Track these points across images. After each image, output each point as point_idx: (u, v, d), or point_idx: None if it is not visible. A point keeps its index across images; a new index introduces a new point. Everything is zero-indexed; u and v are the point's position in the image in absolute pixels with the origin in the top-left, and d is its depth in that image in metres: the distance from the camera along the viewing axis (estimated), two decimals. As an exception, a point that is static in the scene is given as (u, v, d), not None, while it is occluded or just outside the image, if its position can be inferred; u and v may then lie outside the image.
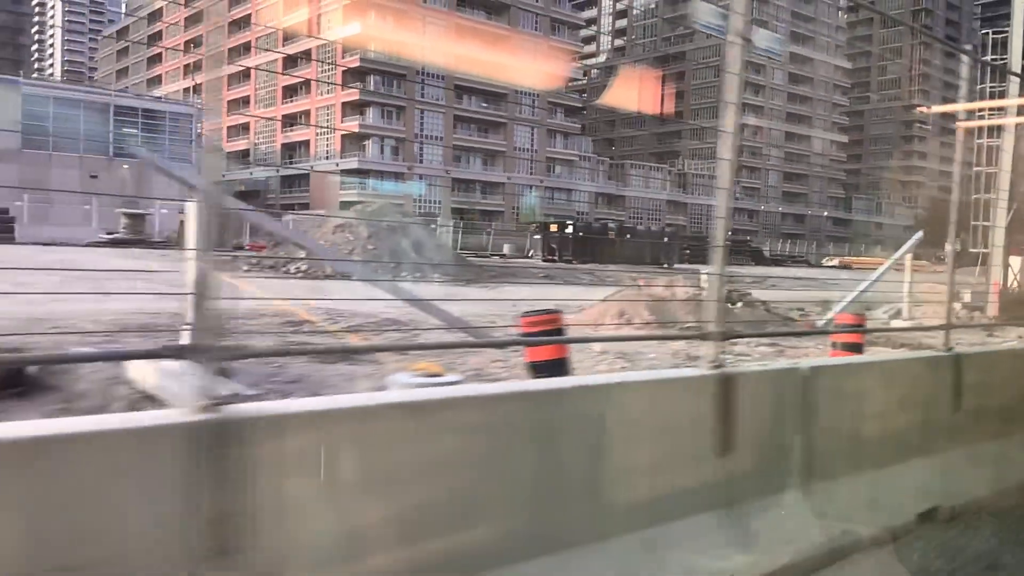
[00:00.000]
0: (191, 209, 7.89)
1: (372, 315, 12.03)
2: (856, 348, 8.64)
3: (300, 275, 19.82)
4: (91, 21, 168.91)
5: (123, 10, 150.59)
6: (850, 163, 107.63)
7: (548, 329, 5.46)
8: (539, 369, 5.56)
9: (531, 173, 72.44)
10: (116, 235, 27.31)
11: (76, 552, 1.86)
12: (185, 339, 2.79)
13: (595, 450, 2.94)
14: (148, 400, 6.62)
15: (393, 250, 20.61)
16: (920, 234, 17.17)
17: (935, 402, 4.58)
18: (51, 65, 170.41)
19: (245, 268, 20.06)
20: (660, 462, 3.14)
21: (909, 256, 16.24)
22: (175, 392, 6.39)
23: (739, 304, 15.38)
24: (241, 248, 31.99)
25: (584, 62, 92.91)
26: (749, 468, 3.44)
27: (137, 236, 26.98)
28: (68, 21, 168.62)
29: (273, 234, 9.96)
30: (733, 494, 3.38)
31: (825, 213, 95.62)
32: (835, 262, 51.73)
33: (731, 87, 3.30)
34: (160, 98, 72.49)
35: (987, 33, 23.21)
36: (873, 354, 7.89)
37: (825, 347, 10.71)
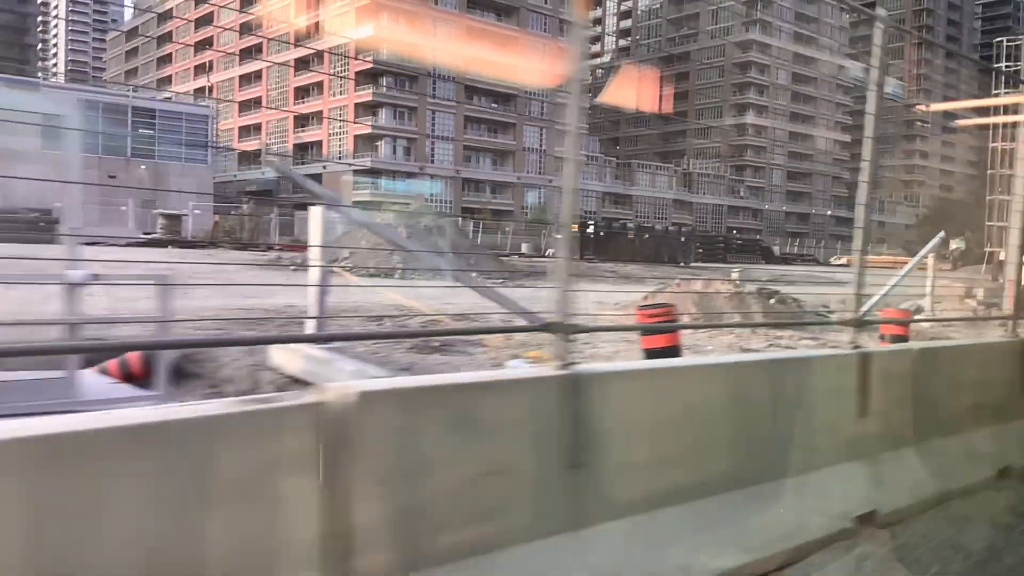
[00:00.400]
0: (315, 213, 8.80)
1: (439, 311, 12.93)
2: (902, 340, 9.56)
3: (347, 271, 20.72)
4: (95, 20, 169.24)
5: (127, 4, 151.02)
6: (853, 162, 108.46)
7: (664, 320, 6.35)
8: (654, 356, 6.45)
9: (540, 173, 73.34)
10: (154, 235, 28.17)
11: (496, 460, 2.75)
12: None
13: (777, 410, 3.83)
14: (296, 383, 7.48)
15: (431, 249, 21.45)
16: (943, 234, 18.03)
17: (1007, 380, 5.47)
18: (55, 64, 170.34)
19: (292, 268, 20.89)
20: (823, 421, 4.04)
21: (932, 255, 17.08)
22: (324, 376, 7.28)
23: (772, 300, 16.28)
24: (271, 248, 32.83)
25: (591, 61, 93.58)
26: (879, 428, 4.34)
27: (174, 235, 27.85)
28: (72, 20, 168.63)
29: (387, 238, 10.76)
30: (869, 448, 4.27)
31: (829, 212, 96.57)
32: (843, 260, 52.64)
33: (869, 125, 4.19)
34: (170, 98, 73.30)
35: (1001, 40, 24.09)
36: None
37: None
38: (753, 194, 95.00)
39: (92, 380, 6.65)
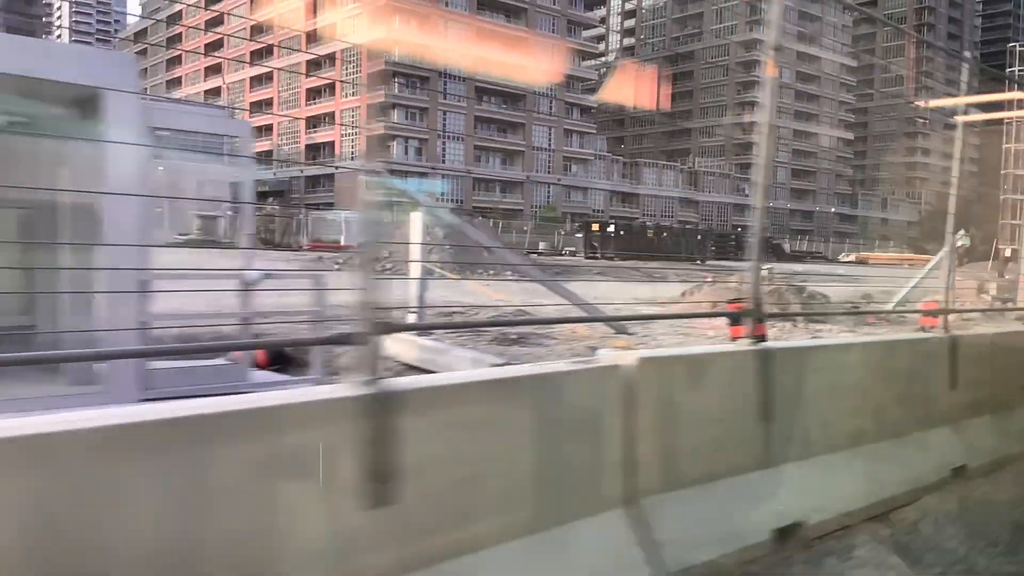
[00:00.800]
0: (414, 219, 9.69)
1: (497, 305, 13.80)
2: (942, 331, 10.41)
3: (390, 271, 21.63)
4: (98, 22, 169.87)
5: (127, 10, 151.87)
6: (856, 160, 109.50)
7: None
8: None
9: (549, 171, 74.28)
10: (190, 236, 29.00)
11: (718, 411, 3.64)
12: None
13: (892, 382, 4.73)
14: (413, 370, 8.34)
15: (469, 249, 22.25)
16: (962, 232, 18.86)
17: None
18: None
19: (336, 266, 21.72)
20: (924, 393, 4.94)
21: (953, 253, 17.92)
22: (442, 363, 8.15)
23: (804, 293, 17.24)
24: (300, 247, 33.69)
25: (598, 60, 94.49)
26: (965, 399, 5.23)
27: (209, 237, 28.66)
28: (75, 22, 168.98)
29: (478, 242, 11.58)
30: (958, 415, 5.17)
31: (832, 209, 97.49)
32: (851, 258, 53.69)
33: (957, 148, 5.08)
34: (180, 100, 74.02)
35: (1014, 46, 25.04)
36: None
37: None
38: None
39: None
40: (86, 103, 5.93)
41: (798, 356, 4.10)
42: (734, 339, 7.71)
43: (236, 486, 2.12)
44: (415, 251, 9.56)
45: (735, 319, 4.25)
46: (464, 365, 7.73)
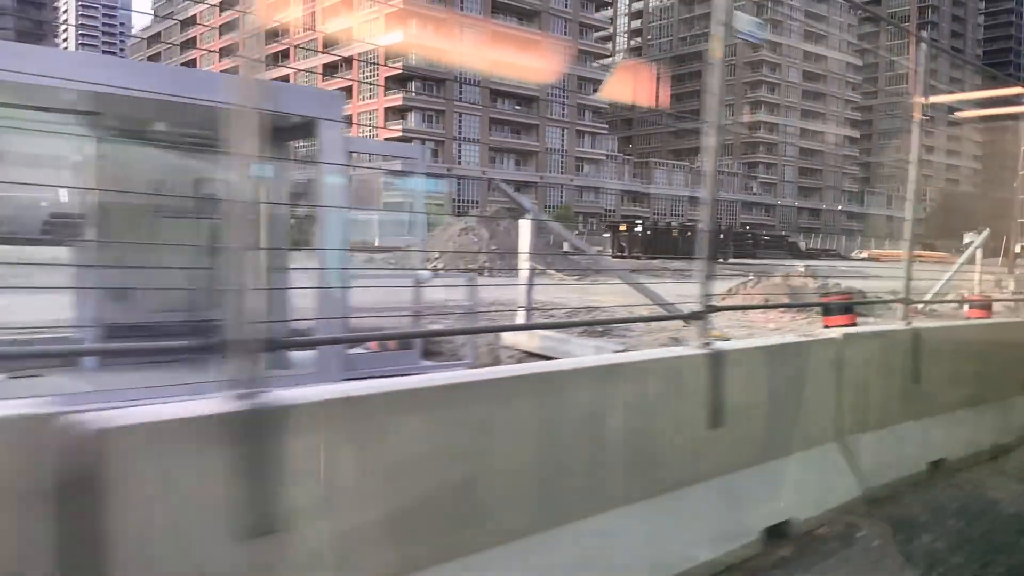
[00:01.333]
0: (524, 225, 10.84)
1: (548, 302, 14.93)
2: (987, 321, 11.53)
3: (440, 270, 22.82)
4: (104, 24, 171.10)
5: (132, 11, 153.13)
6: (862, 157, 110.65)
7: (846, 301, 8.42)
8: (833, 330, 8.50)
9: (562, 171, 75.49)
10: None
11: (875, 377, 4.80)
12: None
13: (994, 356, 5.89)
14: (531, 356, 9.48)
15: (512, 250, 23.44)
16: (988, 231, 19.85)
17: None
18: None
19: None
20: (1014, 365, 6.10)
21: (980, 251, 18.99)
22: (561, 351, 9.30)
23: (842, 287, 18.31)
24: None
25: (609, 60, 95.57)
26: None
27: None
28: (81, 24, 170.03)
29: (573, 244, 12.69)
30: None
31: (840, 207, 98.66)
32: (864, 255, 54.95)
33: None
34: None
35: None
36: None
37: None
38: (765, 190, 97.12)
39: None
40: (303, 130, 7.11)
41: (938, 334, 5.27)
42: (826, 327, 8.89)
43: (647, 402, 3.31)
44: (523, 255, 10.68)
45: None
46: (587, 352, 8.88)
